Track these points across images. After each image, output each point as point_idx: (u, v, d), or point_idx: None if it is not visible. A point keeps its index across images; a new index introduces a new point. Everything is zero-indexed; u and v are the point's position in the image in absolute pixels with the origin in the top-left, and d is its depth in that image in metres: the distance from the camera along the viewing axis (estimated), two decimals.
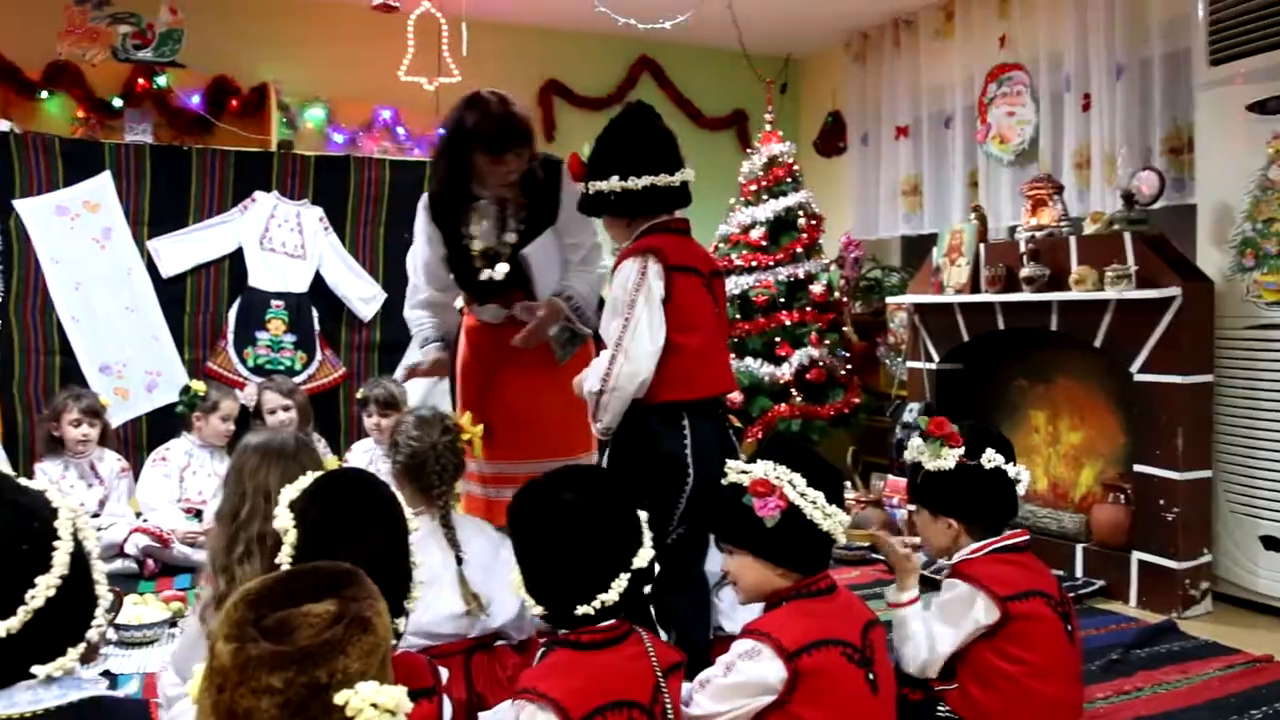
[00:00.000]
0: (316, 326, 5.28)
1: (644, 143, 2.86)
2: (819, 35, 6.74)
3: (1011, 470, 2.57)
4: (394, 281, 5.45)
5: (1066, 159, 5.11)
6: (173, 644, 3.29)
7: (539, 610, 1.95)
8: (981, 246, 4.61)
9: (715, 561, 2.66)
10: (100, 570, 1.52)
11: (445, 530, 2.70)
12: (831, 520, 2.18)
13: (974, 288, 4.57)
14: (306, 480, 1.88)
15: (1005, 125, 5.46)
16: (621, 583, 1.94)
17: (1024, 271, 4.25)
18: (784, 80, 6.56)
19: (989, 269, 4.45)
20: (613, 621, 1.96)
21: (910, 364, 5.05)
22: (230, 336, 5.13)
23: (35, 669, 1.42)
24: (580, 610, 1.92)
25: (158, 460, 4.56)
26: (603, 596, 1.93)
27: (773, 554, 2.20)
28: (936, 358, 4.85)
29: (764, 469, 2.20)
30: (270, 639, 1.16)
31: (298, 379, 5.11)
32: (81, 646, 1.47)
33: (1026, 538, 2.58)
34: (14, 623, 1.38)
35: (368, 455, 4.69)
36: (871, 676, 2.18)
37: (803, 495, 2.16)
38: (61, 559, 1.43)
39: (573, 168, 2.93)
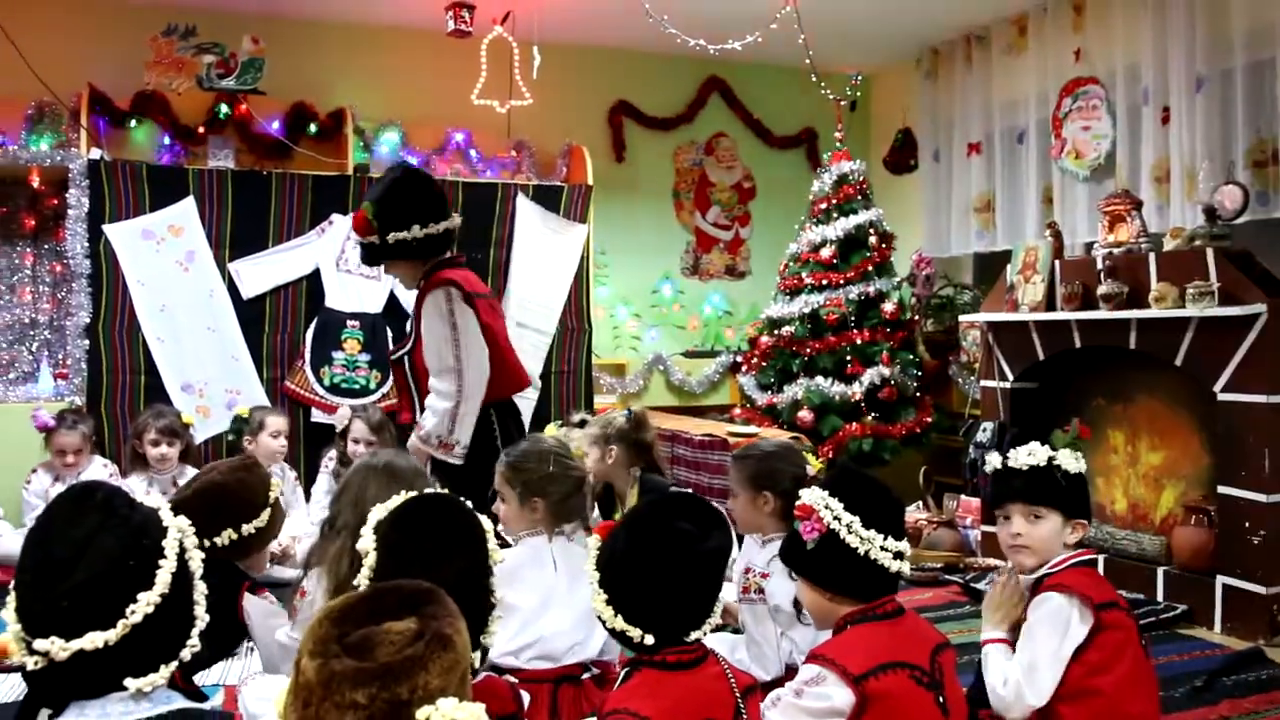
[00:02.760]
0: (390, 346, 5.36)
1: (431, 196, 3.55)
2: (889, 52, 6.71)
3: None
4: None
5: (1145, 173, 5.01)
6: (252, 656, 3.38)
7: (638, 634, 1.93)
8: (1057, 263, 4.54)
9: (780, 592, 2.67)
10: (200, 591, 1.57)
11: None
12: (871, 545, 2.16)
13: (1049, 305, 4.50)
14: (394, 502, 1.92)
15: (1080, 140, 5.38)
16: (720, 605, 1.97)
17: (1101, 289, 4.17)
18: (854, 98, 6.54)
19: (1065, 286, 4.38)
20: (695, 642, 1.97)
21: (984, 383, 4.98)
22: (307, 356, 5.24)
23: (128, 682, 1.47)
24: (693, 635, 1.94)
25: None
26: (710, 620, 1.95)
27: (818, 578, 2.20)
28: (1011, 376, 4.78)
29: (809, 495, 2.21)
30: (353, 655, 1.19)
31: (372, 397, 5.20)
32: (174, 664, 1.51)
33: (1093, 554, 2.55)
34: (112, 635, 1.43)
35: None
36: (942, 700, 2.15)
37: (837, 519, 2.16)
38: (164, 577, 1.48)
39: (359, 225, 3.53)
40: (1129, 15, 5.13)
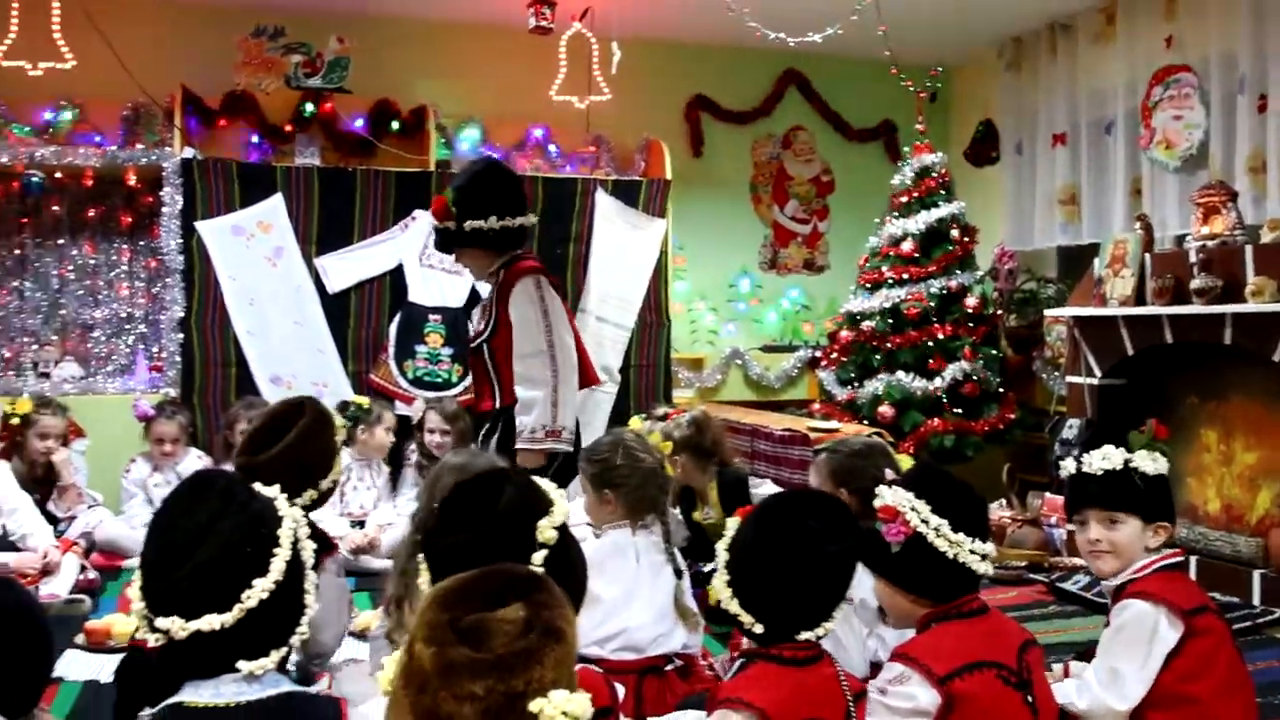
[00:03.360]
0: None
1: (511, 190, 3.59)
2: (970, 43, 6.60)
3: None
4: None
5: (1239, 164, 4.86)
6: (346, 641, 3.46)
7: (749, 621, 1.93)
8: (1147, 257, 4.44)
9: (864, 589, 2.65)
10: (311, 580, 1.62)
11: (666, 545, 2.80)
12: (960, 549, 2.14)
13: (1139, 300, 4.40)
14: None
15: (1171, 130, 5.24)
16: (841, 610, 1.96)
17: (1195, 283, 4.07)
18: (934, 89, 6.46)
19: (1156, 280, 4.28)
20: (811, 639, 1.96)
21: (1070, 379, 4.89)
22: (391, 349, 5.34)
23: (241, 664, 1.52)
24: (803, 635, 1.92)
25: None
26: (826, 625, 1.94)
27: (901, 580, 2.19)
28: (1099, 372, 4.69)
29: (893, 495, 2.19)
30: (468, 643, 1.22)
31: (454, 390, 5.27)
32: (285, 649, 1.57)
33: (1182, 556, 2.49)
34: (228, 618, 1.49)
35: None
36: (1030, 699, 2.13)
37: (924, 522, 2.14)
38: (279, 565, 1.54)
39: (438, 209, 3.56)
40: (1225, 1, 4.99)
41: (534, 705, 1.21)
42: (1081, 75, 5.95)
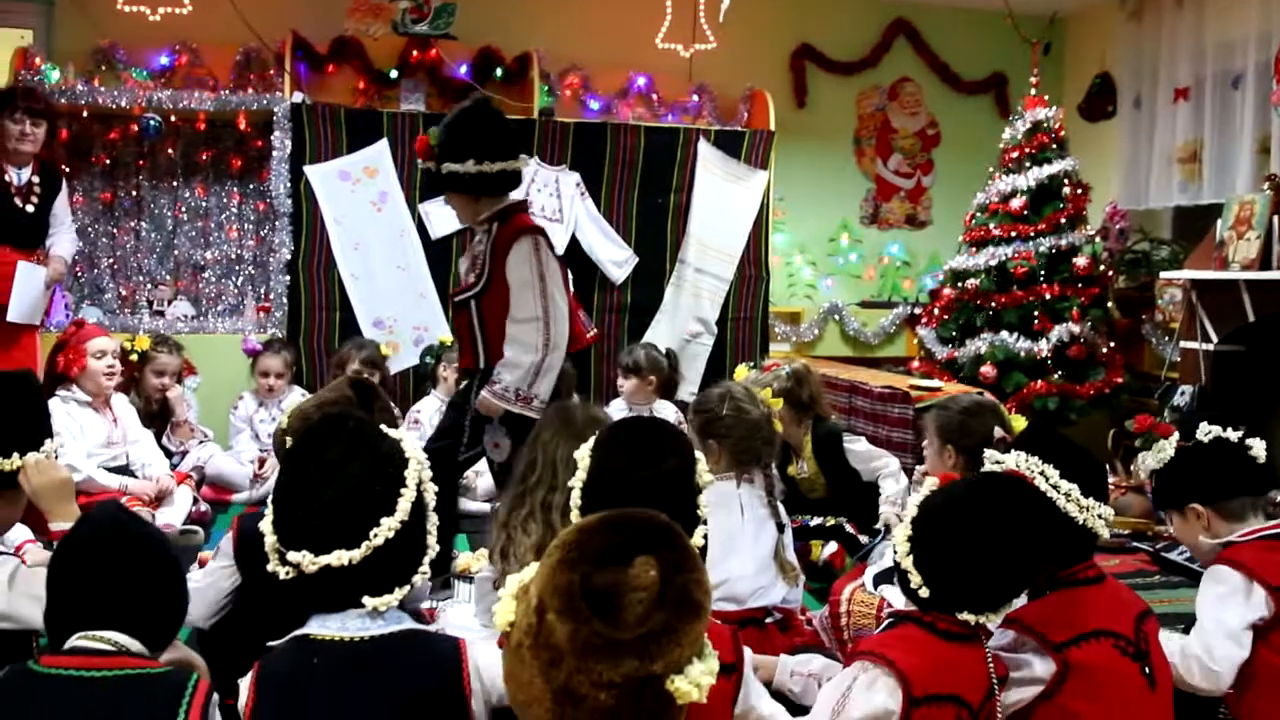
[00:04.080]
0: (571, 288, 5.44)
1: (495, 132, 3.36)
2: None
3: (1233, 436, 2.41)
4: (646, 246, 5.59)
5: None
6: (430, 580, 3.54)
7: (917, 580, 1.87)
8: (1275, 219, 4.25)
9: None
10: (433, 522, 1.65)
11: (769, 498, 2.78)
12: (1089, 514, 2.10)
13: (1264, 264, 4.22)
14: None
15: None
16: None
17: None
18: (1048, 41, 6.23)
19: None
20: (971, 621, 1.89)
21: (1184, 344, 4.74)
22: None
23: (366, 600, 1.56)
24: (965, 616, 1.85)
25: (411, 424, 4.84)
26: (991, 615, 1.88)
27: None
28: (1215, 338, 4.53)
29: (1017, 460, 2.15)
30: (600, 615, 1.21)
31: None
32: (407, 588, 1.60)
33: None
34: (356, 554, 1.53)
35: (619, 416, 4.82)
36: (1148, 670, 2.09)
37: (1054, 487, 2.09)
38: (405, 505, 1.57)
39: (420, 148, 3.38)
40: None
41: (671, 684, 1.21)
42: (1210, 25, 5.67)
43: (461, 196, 3.41)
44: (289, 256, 5.23)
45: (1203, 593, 2.34)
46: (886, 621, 1.96)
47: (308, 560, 1.53)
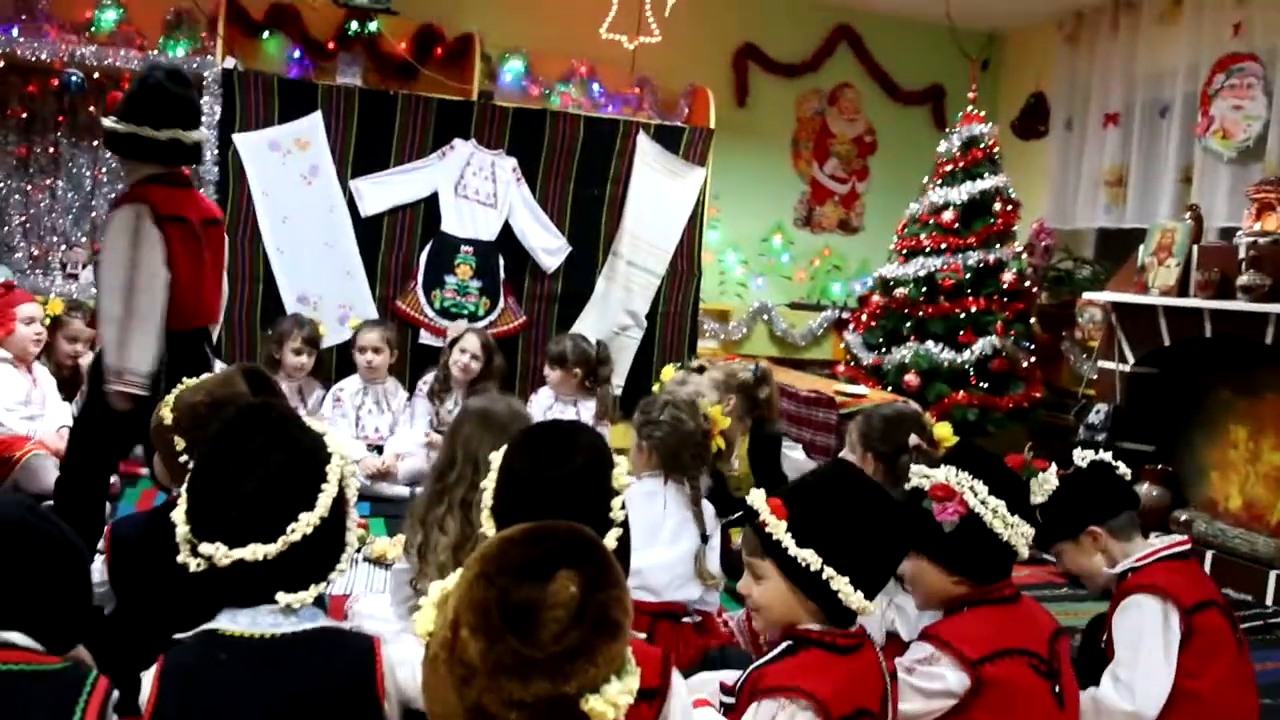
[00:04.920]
0: (502, 274, 5.41)
1: (156, 99, 3.21)
2: (1030, 12, 6.45)
3: (1106, 456, 2.47)
4: (579, 236, 5.55)
5: None
6: (357, 568, 3.49)
7: (848, 593, 1.83)
8: (1194, 248, 4.37)
9: None
10: (354, 519, 1.61)
11: (694, 509, 2.81)
12: (1013, 531, 2.12)
13: (1182, 291, 4.34)
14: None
15: (1230, 119, 5.12)
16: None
17: (1242, 279, 4.01)
18: (987, 57, 6.32)
19: (1201, 273, 4.22)
20: (858, 628, 1.92)
21: (1102, 363, 4.85)
22: (420, 278, 5.31)
23: (280, 596, 1.51)
24: (857, 599, 1.84)
25: (333, 404, 4.77)
26: (868, 603, 1.87)
27: (949, 560, 2.15)
28: (1132, 359, 4.64)
29: (946, 474, 2.16)
30: (516, 632, 1.18)
31: (480, 324, 5.25)
32: (324, 585, 1.56)
33: (1189, 545, 2.44)
34: (272, 549, 1.48)
35: (544, 406, 4.79)
36: (1058, 689, 2.12)
37: (983, 503, 2.11)
38: (325, 501, 1.52)
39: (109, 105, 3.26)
40: None
41: (585, 704, 1.18)
42: (1141, 55, 5.81)
43: (125, 160, 3.34)
44: None
45: (1120, 626, 2.32)
46: (782, 646, 1.89)
47: (221, 553, 1.47)
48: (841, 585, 1.83)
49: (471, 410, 2.46)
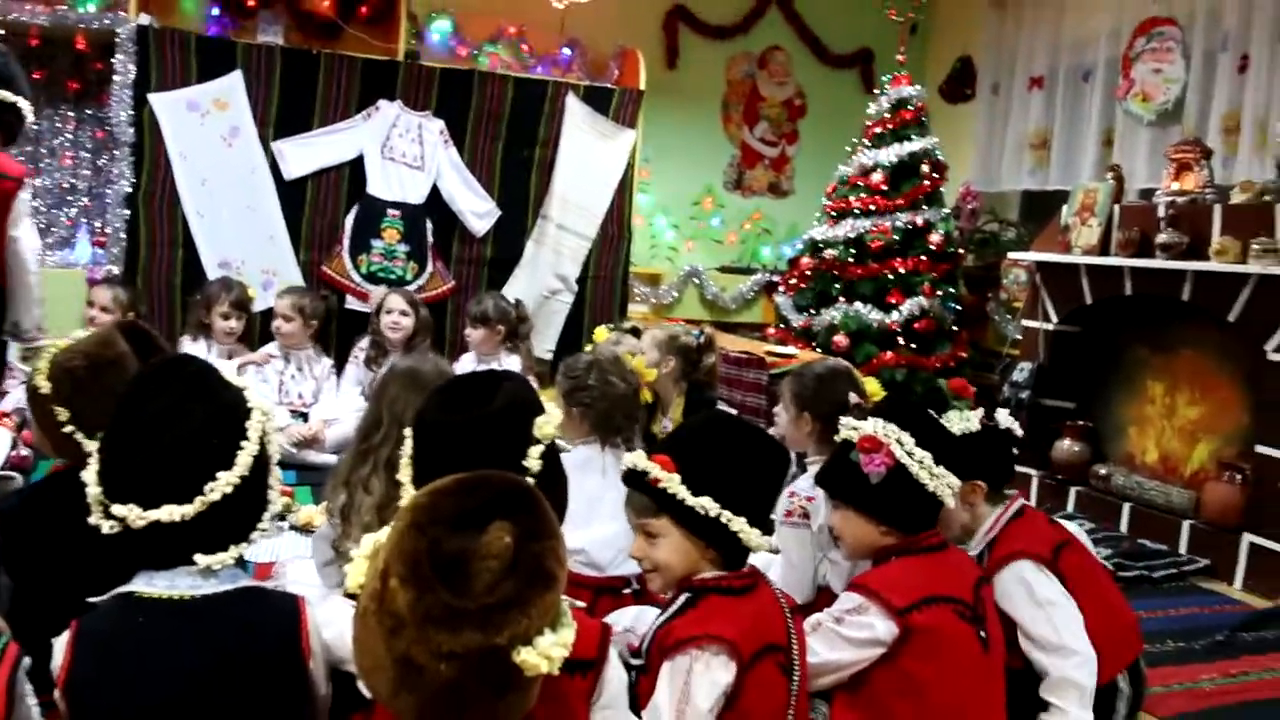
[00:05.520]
0: (430, 238, 5.32)
1: None
2: None
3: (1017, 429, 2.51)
4: (508, 199, 5.48)
5: (1214, 122, 4.87)
6: (283, 535, 3.43)
7: (748, 533, 1.87)
8: (1116, 208, 4.45)
9: (823, 514, 2.64)
10: (276, 476, 1.56)
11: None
12: (938, 482, 2.15)
13: (1104, 250, 4.42)
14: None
15: (1150, 83, 5.22)
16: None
17: (1160, 238, 4.09)
18: (915, 20, 6.36)
19: (1122, 232, 4.30)
20: (749, 568, 1.95)
21: (1026, 323, 4.93)
22: (346, 242, 5.20)
23: (198, 558, 1.47)
24: (755, 537, 1.88)
25: (255, 368, 4.66)
26: (764, 541, 1.91)
27: (877, 511, 2.18)
28: (1055, 318, 4.73)
29: (874, 426, 2.18)
30: (447, 583, 1.15)
31: (408, 289, 5.17)
32: (244, 545, 1.52)
33: (1021, 500, 2.50)
34: (189, 510, 1.43)
35: (469, 369, 4.74)
36: (983, 635, 2.16)
37: (909, 454, 2.14)
38: (245, 459, 1.47)
39: None
40: None
41: (517, 656, 1.16)
42: (1066, 19, 5.89)
43: None
44: (129, 189, 4.92)
45: (1015, 601, 2.31)
46: (682, 599, 1.91)
47: (135, 514, 1.42)
48: (740, 525, 1.86)
49: (398, 370, 2.41)
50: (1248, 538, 3.85)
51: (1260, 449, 3.85)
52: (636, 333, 3.82)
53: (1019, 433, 2.48)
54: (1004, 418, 2.49)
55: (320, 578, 2.44)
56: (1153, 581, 3.81)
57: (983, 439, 2.45)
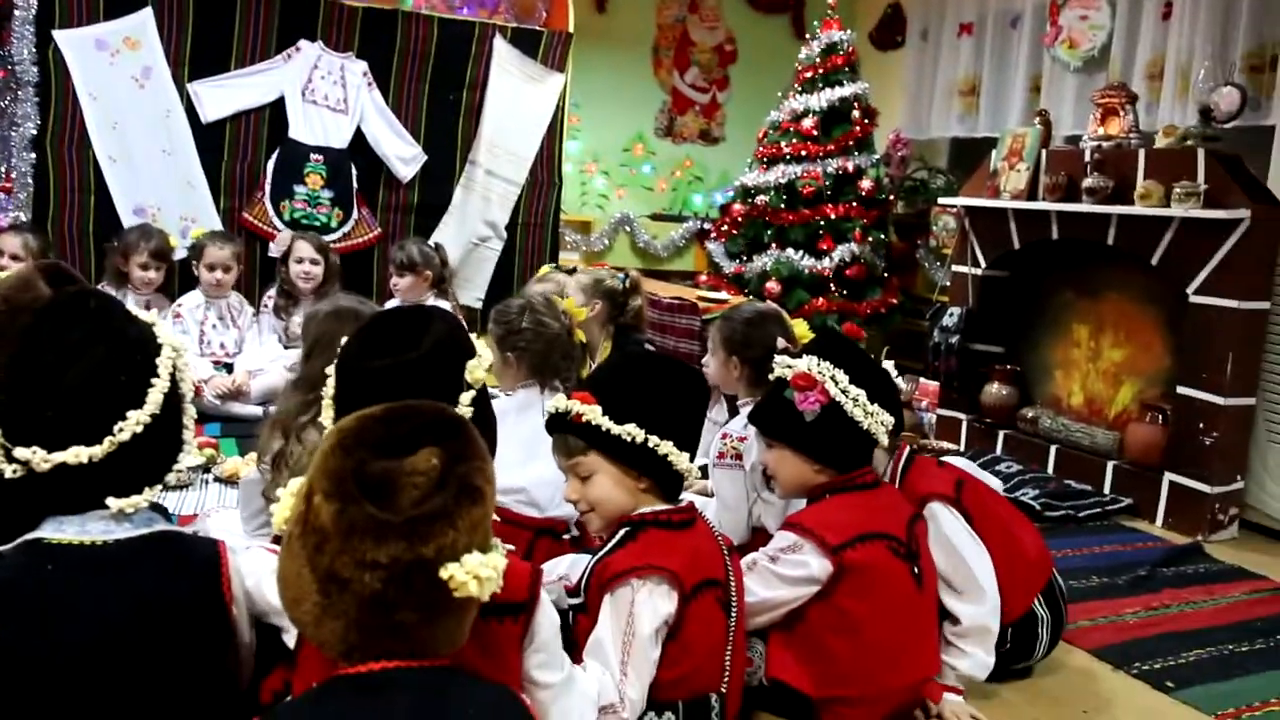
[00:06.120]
0: (355, 184, 5.19)
1: None
2: None
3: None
4: (435, 144, 5.36)
5: (1138, 69, 4.92)
6: (207, 489, 3.34)
7: (685, 463, 1.92)
8: (1044, 153, 4.48)
9: (755, 454, 2.63)
10: (190, 416, 1.49)
11: None
12: (873, 420, 2.15)
13: (1031, 195, 4.45)
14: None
15: (1077, 29, 5.25)
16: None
17: (1087, 182, 4.13)
18: None
19: (1049, 177, 4.33)
20: (688, 504, 1.95)
21: (955, 268, 4.96)
22: (268, 188, 5.05)
23: (110, 501, 1.40)
24: (684, 461, 1.91)
25: (173, 318, 4.51)
26: (693, 465, 1.94)
27: (811, 449, 2.18)
28: (984, 263, 4.77)
29: (808, 364, 2.17)
30: (373, 499, 1.12)
31: (332, 236, 5.04)
32: (158, 488, 1.45)
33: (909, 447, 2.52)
34: (97, 451, 1.36)
35: None
36: (917, 570, 2.18)
37: (844, 392, 2.13)
38: (156, 397, 1.40)
39: None
40: None
41: (444, 572, 1.12)
42: None
43: None
44: (34, 132, 4.70)
45: (942, 544, 2.30)
46: (620, 534, 1.90)
47: (39, 458, 1.35)
48: (669, 449, 1.88)
49: (343, 314, 2.33)
50: (1169, 476, 3.94)
51: (1181, 390, 3.93)
52: (574, 273, 3.78)
53: (901, 383, 2.46)
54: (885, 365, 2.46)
55: (244, 527, 2.38)
56: (1078, 521, 3.89)
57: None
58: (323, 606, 1.16)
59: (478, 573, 1.14)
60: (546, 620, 1.58)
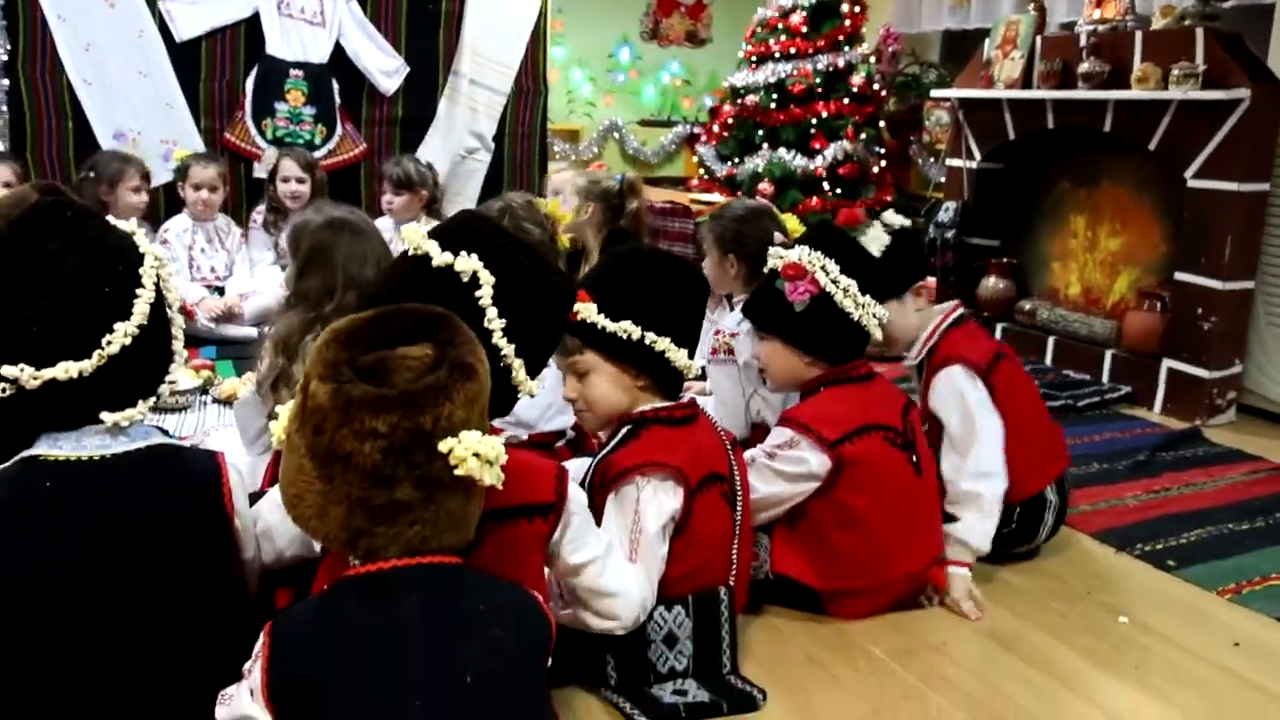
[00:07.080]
0: (337, 99, 5.09)
1: None
2: None
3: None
4: (417, 55, 5.25)
5: None
6: (206, 409, 3.33)
7: (683, 361, 1.89)
8: (1038, 40, 4.38)
9: (748, 350, 2.61)
10: (178, 326, 1.47)
11: None
12: (864, 311, 2.13)
13: (1026, 83, 4.37)
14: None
15: None
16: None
17: (1083, 67, 4.05)
18: None
19: (1044, 64, 4.24)
20: (689, 400, 1.94)
21: (950, 162, 4.90)
22: (248, 106, 4.95)
23: (104, 415, 1.39)
24: (682, 357, 1.88)
25: (160, 243, 4.44)
26: (691, 361, 1.92)
27: (801, 341, 2.16)
28: (979, 156, 4.70)
29: (799, 254, 2.14)
30: (369, 380, 1.12)
31: (317, 153, 4.96)
32: (151, 400, 1.43)
33: (961, 308, 2.51)
34: (87, 365, 1.34)
35: (387, 237, 4.59)
36: (915, 459, 2.18)
37: (834, 282, 2.11)
38: (142, 308, 1.37)
39: None
40: None
41: (443, 445, 1.12)
42: None
43: None
44: (5, 57, 4.59)
45: (944, 401, 2.32)
46: (623, 432, 1.89)
47: (28, 375, 1.32)
48: (666, 345, 1.85)
49: (313, 224, 2.27)
50: (1167, 363, 3.94)
51: (1179, 275, 3.91)
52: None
53: (907, 222, 2.41)
54: (892, 218, 2.39)
55: (248, 451, 2.35)
56: (1077, 410, 3.89)
57: (898, 246, 2.36)
58: (325, 495, 1.16)
59: (477, 449, 1.14)
60: (578, 511, 1.59)
